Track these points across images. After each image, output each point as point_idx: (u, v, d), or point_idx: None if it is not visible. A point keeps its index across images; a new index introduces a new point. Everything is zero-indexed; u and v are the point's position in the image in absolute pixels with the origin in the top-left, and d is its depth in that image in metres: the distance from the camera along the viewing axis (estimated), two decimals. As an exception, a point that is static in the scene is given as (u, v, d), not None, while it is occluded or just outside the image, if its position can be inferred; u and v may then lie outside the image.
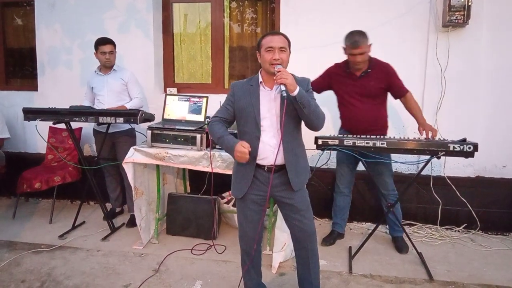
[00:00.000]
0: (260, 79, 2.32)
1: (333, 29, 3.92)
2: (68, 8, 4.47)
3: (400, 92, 3.25)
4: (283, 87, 2.12)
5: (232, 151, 2.23)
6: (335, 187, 3.60)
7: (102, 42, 3.74)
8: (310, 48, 3.94)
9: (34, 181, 3.97)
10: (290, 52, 2.31)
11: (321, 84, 3.38)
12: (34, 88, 4.73)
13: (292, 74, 2.24)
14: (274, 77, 2.16)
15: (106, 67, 3.81)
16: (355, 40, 3.07)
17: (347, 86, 3.26)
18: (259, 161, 2.31)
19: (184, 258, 3.30)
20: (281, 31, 3.91)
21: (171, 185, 4.10)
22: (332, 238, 3.59)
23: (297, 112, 2.23)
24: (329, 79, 3.37)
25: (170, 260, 3.27)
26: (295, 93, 2.13)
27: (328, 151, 3.00)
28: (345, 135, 3.00)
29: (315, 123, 2.26)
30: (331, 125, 3.70)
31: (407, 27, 3.78)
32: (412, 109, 3.25)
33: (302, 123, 2.34)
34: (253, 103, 2.28)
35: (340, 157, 3.44)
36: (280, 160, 2.29)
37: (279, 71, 2.13)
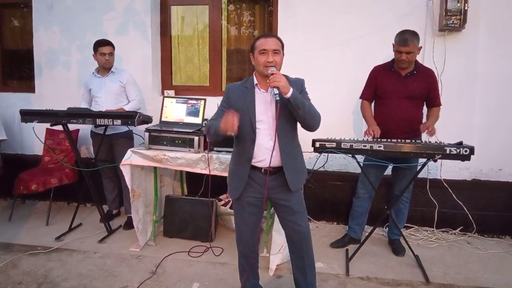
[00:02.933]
0: (255, 82, 2.32)
1: (331, 33, 3.95)
2: (66, 10, 4.47)
3: (436, 102, 3.29)
4: (276, 90, 2.13)
5: (219, 125, 2.17)
6: (356, 191, 3.57)
7: (102, 43, 3.74)
8: (307, 51, 3.95)
9: (30, 183, 3.96)
10: (283, 54, 2.31)
11: (372, 91, 3.37)
12: (32, 89, 4.72)
13: (286, 76, 2.25)
14: (268, 80, 2.16)
15: (105, 68, 3.81)
16: (405, 38, 3.08)
17: (391, 84, 3.25)
18: (255, 163, 2.31)
19: (181, 261, 3.30)
20: (278, 34, 3.96)
21: (168, 187, 4.09)
22: (342, 242, 3.59)
23: (292, 114, 2.23)
24: (375, 81, 3.34)
25: (167, 262, 3.26)
26: (289, 95, 2.13)
27: (326, 154, 3.00)
28: (342, 138, 3.01)
29: (311, 124, 2.27)
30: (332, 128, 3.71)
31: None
32: (432, 116, 3.27)
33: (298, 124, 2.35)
34: (248, 105, 2.28)
35: (368, 162, 3.32)
36: (277, 162, 2.29)
37: (272, 74, 2.14)
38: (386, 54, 3.43)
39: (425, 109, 3.37)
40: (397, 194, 3.36)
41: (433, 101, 3.29)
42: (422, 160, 3.04)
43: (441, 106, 3.32)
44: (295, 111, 2.18)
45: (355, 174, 3.90)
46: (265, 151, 2.28)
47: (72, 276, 3.05)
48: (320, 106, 2.37)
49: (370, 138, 3.05)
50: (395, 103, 3.23)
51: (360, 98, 3.45)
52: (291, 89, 2.14)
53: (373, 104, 3.45)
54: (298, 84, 2.32)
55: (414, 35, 3.11)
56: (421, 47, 3.20)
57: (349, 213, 3.65)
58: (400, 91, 3.21)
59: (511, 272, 3.16)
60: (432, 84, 3.25)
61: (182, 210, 3.69)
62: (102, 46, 3.73)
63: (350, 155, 3.06)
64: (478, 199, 3.83)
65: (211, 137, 2.37)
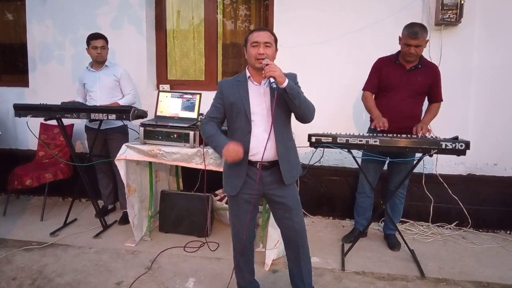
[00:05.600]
0: (248, 74, 2.33)
1: (326, 27, 3.93)
2: (60, 3, 4.42)
3: (437, 97, 3.26)
4: (272, 80, 2.12)
5: (221, 149, 2.22)
6: (358, 187, 3.57)
7: (94, 37, 3.71)
8: (303, 45, 3.94)
9: (25, 178, 3.93)
10: (276, 48, 2.32)
11: (375, 82, 3.30)
12: (25, 84, 4.68)
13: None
14: (263, 71, 2.16)
15: (98, 62, 3.78)
16: (415, 31, 3.02)
17: (395, 77, 3.20)
18: (251, 157, 2.30)
19: (176, 256, 3.29)
20: (274, 28, 3.95)
21: (164, 182, 4.08)
22: (353, 236, 3.57)
23: (287, 105, 2.23)
24: (380, 74, 3.28)
25: (163, 258, 3.26)
26: (284, 84, 2.13)
27: (321, 149, 2.99)
28: (338, 133, 3.00)
29: (306, 114, 2.27)
30: (327, 123, 3.70)
31: (400, 25, 3.76)
32: (430, 113, 3.25)
33: (292, 117, 2.34)
34: (242, 98, 2.28)
35: (366, 158, 3.30)
36: (272, 156, 2.29)
37: (267, 64, 2.14)
38: (382, 48, 3.42)
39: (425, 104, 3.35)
40: (392, 190, 3.36)
41: (435, 97, 3.26)
42: (418, 155, 3.03)
43: (442, 102, 3.29)
44: (290, 101, 2.18)
45: (351, 169, 3.90)
46: (261, 143, 2.27)
47: (67, 271, 3.04)
48: (315, 100, 2.35)
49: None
50: (397, 97, 3.19)
51: (363, 89, 3.38)
52: (287, 79, 2.14)
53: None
54: (291, 78, 2.31)
55: (423, 28, 3.06)
56: (428, 40, 3.15)
57: (345, 207, 3.66)
58: (403, 85, 3.18)
59: (506, 266, 3.17)
60: (436, 79, 3.22)
61: (177, 205, 3.68)
62: (94, 39, 3.70)
63: (346, 150, 3.06)
64: (473, 194, 3.84)
65: (207, 143, 2.42)
